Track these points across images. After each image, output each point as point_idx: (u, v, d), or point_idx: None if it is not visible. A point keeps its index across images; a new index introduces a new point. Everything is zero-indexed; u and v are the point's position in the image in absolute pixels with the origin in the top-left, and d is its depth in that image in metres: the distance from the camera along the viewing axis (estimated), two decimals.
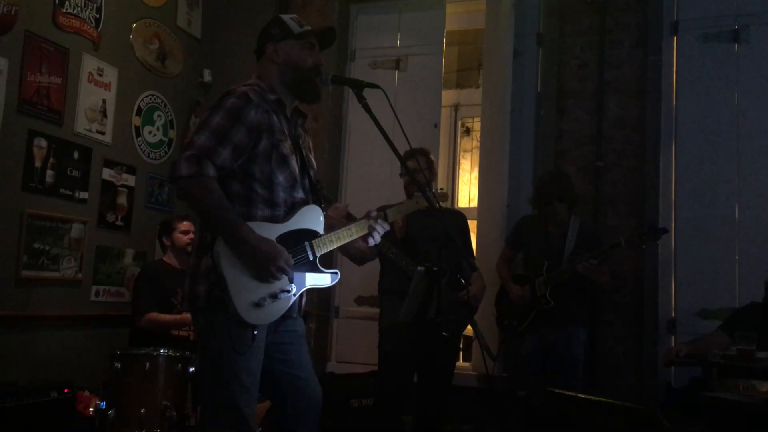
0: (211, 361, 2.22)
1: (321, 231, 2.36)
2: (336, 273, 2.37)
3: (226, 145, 2.18)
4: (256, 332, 2.16)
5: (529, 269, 3.91)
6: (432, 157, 3.77)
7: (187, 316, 3.90)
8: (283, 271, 2.17)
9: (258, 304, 2.15)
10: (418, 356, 3.51)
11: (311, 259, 2.30)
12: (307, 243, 2.29)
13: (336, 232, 2.37)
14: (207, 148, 2.16)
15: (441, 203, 3.27)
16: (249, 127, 2.21)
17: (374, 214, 2.45)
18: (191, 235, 4.09)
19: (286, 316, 2.28)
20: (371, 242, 2.44)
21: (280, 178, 2.28)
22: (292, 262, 2.20)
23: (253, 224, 2.19)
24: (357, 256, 3.14)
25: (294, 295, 2.26)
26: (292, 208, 2.31)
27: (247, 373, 2.18)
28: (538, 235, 3.90)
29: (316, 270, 2.32)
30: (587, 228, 3.91)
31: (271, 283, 2.17)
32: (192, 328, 3.93)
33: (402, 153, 3.38)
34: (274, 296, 2.19)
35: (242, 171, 2.23)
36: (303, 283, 2.29)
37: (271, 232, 2.22)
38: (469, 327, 3.61)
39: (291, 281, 2.23)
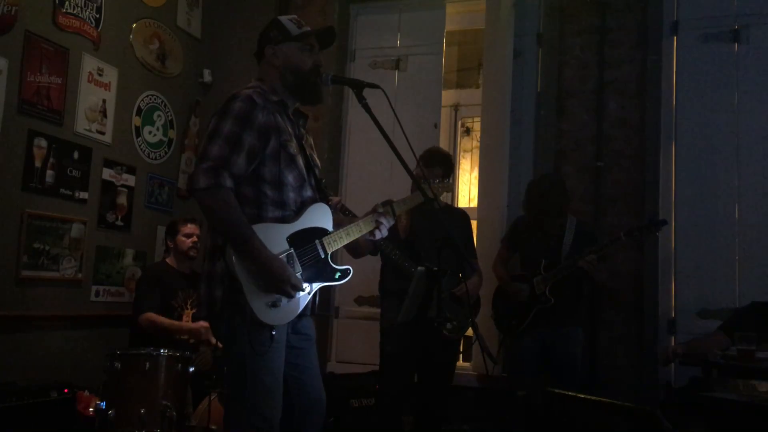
0: (234, 364, 2.23)
1: (330, 228, 2.38)
2: (348, 269, 2.39)
3: (240, 151, 2.19)
4: (274, 332, 2.18)
5: (526, 269, 3.90)
6: (449, 164, 3.71)
7: (185, 324, 3.91)
8: (288, 295, 2.19)
9: (274, 305, 2.18)
10: (418, 356, 3.51)
11: (323, 256, 2.32)
12: (317, 241, 2.32)
13: (345, 228, 2.40)
14: (223, 158, 2.16)
15: (446, 192, 3.28)
16: (259, 130, 2.23)
17: (381, 209, 2.47)
18: (194, 239, 4.09)
19: (302, 314, 2.31)
20: (378, 235, 2.47)
21: (290, 178, 2.29)
22: (300, 284, 2.21)
23: (263, 225, 2.20)
24: (352, 248, 3.14)
25: (309, 293, 2.29)
26: (301, 208, 2.33)
27: (269, 374, 2.20)
28: (534, 234, 3.89)
29: (328, 267, 2.35)
30: (584, 227, 3.91)
31: None
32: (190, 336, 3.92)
33: (421, 154, 3.43)
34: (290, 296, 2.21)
35: (252, 173, 2.24)
36: (317, 281, 2.32)
37: (282, 232, 2.24)
38: (469, 328, 3.62)
39: (305, 280, 2.25)
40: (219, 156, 2.16)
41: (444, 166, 3.65)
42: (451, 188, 3.63)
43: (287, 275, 2.17)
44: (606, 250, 3.68)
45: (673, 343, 4.02)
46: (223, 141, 2.18)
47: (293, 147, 2.32)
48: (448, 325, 3.51)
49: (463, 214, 3.90)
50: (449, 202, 5.39)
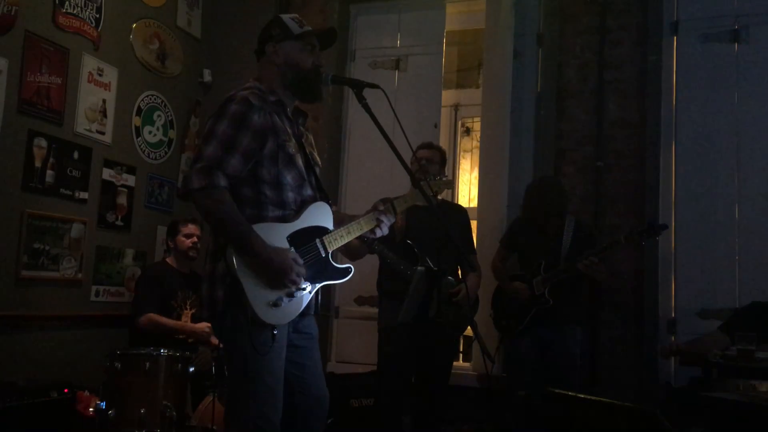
0: (235, 364, 2.24)
1: (331, 227, 2.38)
2: (349, 268, 2.39)
3: (235, 152, 2.19)
4: (275, 332, 2.18)
5: (525, 269, 3.90)
6: (446, 156, 3.91)
7: (188, 325, 3.91)
8: (295, 284, 2.20)
9: (275, 304, 2.18)
10: (416, 356, 3.51)
11: (324, 255, 2.32)
12: (318, 240, 2.32)
13: (346, 226, 2.40)
14: (216, 158, 2.17)
15: (447, 189, 3.32)
16: (254, 131, 2.22)
17: (381, 207, 2.47)
18: (194, 239, 4.09)
19: (304, 313, 2.31)
20: (378, 233, 2.47)
21: (288, 178, 2.29)
22: (303, 272, 2.22)
23: (264, 225, 2.20)
24: (348, 252, 3.15)
25: (309, 292, 2.29)
26: (302, 207, 2.33)
27: (270, 374, 2.20)
28: (533, 235, 3.89)
29: (329, 266, 2.35)
30: (582, 227, 3.90)
31: None
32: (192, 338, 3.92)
33: (420, 144, 3.54)
34: (291, 295, 2.22)
35: (251, 175, 2.25)
36: (318, 280, 2.32)
37: (282, 231, 2.24)
38: (468, 327, 3.62)
39: (306, 279, 2.25)
40: (212, 156, 2.17)
41: (441, 152, 3.82)
42: (452, 185, 3.70)
43: (290, 265, 2.17)
44: (605, 253, 3.68)
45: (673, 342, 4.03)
46: (217, 142, 2.19)
47: (292, 147, 2.32)
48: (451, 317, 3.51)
49: (460, 210, 3.92)
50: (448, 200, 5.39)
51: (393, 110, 2.36)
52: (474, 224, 4.13)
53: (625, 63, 4.39)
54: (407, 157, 2.44)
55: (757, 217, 4.06)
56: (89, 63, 4.11)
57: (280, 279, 2.17)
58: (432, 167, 3.63)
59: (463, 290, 3.49)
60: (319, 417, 2.39)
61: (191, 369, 3.41)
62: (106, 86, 4.25)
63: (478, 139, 5.18)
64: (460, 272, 3.77)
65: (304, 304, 2.28)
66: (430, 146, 3.79)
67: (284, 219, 2.28)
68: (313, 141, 2.56)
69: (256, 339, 2.15)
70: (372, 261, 3.69)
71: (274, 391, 2.21)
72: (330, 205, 2.42)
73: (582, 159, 4.40)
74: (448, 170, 5.73)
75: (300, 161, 2.35)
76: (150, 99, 4.62)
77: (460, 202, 5.93)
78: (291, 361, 2.31)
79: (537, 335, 3.77)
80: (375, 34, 5.09)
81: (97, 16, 4.18)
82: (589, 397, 2.47)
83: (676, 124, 4.28)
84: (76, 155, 4.02)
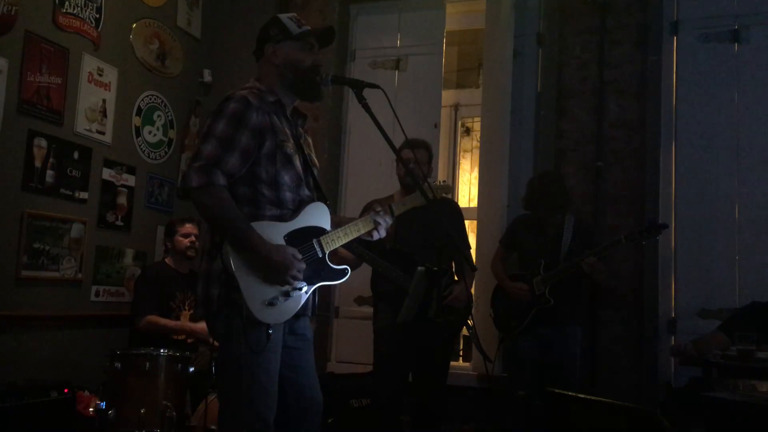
0: (229, 363, 2.22)
1: (328, 227, 2.37)
2: (346, 269, 2.38)
3: (233, 151, 2.19)
4: (270, 331, 2.17)
5: (525, 269, 3.90)
6: (432, 151, 3.79)
7: (186, 323, 3.91)
8: (295, 280, 2.19)
9: (271, 303, 2.17)
10: (413, 356, 3.51)
11: (320, 256, 2.31)
12: (315, 240, 2.31)
13: (343, 228, 2.39)
14: (215, 156, 2.17)
15: (446, 194, 3.27)
16: (253, 130, 2.22)
17: (378, 208, 2.47)
18: (192, 239, 4.09)
19: (300, 314, 2.30)
20: (376, 236, 2.46)
21: (286, 178, 2.29)
22: (303, 267, 2.21)
23: (260, 223, 2.20)
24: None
25: (306, 292, 2.28)
26: (299, 207, 2.32)
27: (265, 374, 2.19)
28: (532, 234, 3.89)
29: (326, 267, 2.34)
30: (582, 226, 3.91)
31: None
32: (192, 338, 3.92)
33: (403, 142, 3.39)
34: (287, 294, 2.21)
35: (248, 174, 2.24)
36: (314, 281, 2.31)
37: (279, 230, 2.24)
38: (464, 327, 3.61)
39: (302, 279, 2.24)
40: (211, 155, 2.17)
41: (428, 150, 3.69)
42: (451, 190, 3.64)
43: (290, 261, 2.17)
44: (606, 252, 3.68)
45: (673, 343, 4.03)
46: (215, 140, 2.19)
47: (290, 147, 2.32)
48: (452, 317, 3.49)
49: (451, 205, 3.84)
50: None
51: (393, 110, 2.36)
52: (474, 224, 4.12)
53: (625, 63, 4.39)
54: None
55: (757, 217, 4.06)
56: (89, 63, 4.11)
57: (280, 275, 2.16)
58: (423, 167, 3.54)
59: (455, 291, 3.48)
60: (313, 419, 2.38)
61: (191, 369, 3.41)
62: (106, 86, 4.25)
63: (478, 139, 5.18)
64: (454, 269, 3.74)
65: (300, 304, 2.27)
66: (415, 145, 3.48)
67: (281, 218, 2.27)
68: (311, 143, 2.56)
69: (251, 338, 2.14)
70: None
71: (269, 391, 2.21)
72: (328, 207, 2.41)
73: (582, 159, 4.40)
74: (448, 170, 5.75)
75: (298, 162, 2.35)
76: (150, 99, 4.62)
77: (460, 202, 5.93)
78: (285, 363, 2.30)
79: (537, 335, 3.77)
80: (375, 34, 5.09)
81: (97, 16, 4.18)
82: (589, 397, 2.47)
83: (676, 124, 4.28)
84: (76, 155, 4.02)
